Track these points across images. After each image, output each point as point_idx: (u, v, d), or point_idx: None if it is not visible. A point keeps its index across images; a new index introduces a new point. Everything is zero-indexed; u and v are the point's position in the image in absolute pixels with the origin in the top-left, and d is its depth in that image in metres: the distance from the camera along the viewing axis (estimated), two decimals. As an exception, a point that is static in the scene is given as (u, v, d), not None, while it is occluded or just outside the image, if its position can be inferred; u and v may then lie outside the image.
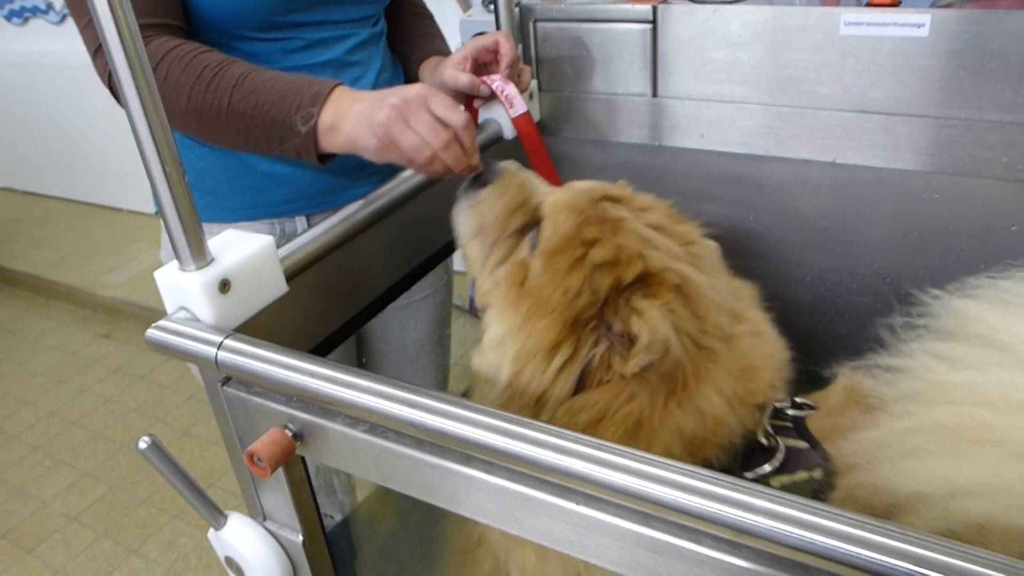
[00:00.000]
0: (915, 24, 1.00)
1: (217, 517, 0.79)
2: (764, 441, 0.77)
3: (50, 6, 3.92)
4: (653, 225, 0.83)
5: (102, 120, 3.79)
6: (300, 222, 1.17)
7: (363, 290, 1.01)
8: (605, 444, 0.53)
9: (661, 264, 0.77)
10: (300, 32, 1.07)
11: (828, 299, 1.20)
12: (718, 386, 0.74)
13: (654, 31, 1.16)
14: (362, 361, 1.33)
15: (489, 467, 0.59)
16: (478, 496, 0.61)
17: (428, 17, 1.32)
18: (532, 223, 0.87)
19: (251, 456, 0.67)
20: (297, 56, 1.08)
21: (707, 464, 0.74)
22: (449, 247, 1.17)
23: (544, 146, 1.11)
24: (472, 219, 0.92)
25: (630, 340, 0.73)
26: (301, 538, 0.79)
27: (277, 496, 0.77)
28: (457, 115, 0.91)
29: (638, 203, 0.87)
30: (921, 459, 0.61)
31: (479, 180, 0.93)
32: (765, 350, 0.81)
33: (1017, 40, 0.96)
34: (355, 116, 0.92)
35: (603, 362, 0.75)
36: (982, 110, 1.01)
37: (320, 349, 0.94)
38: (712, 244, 0.91)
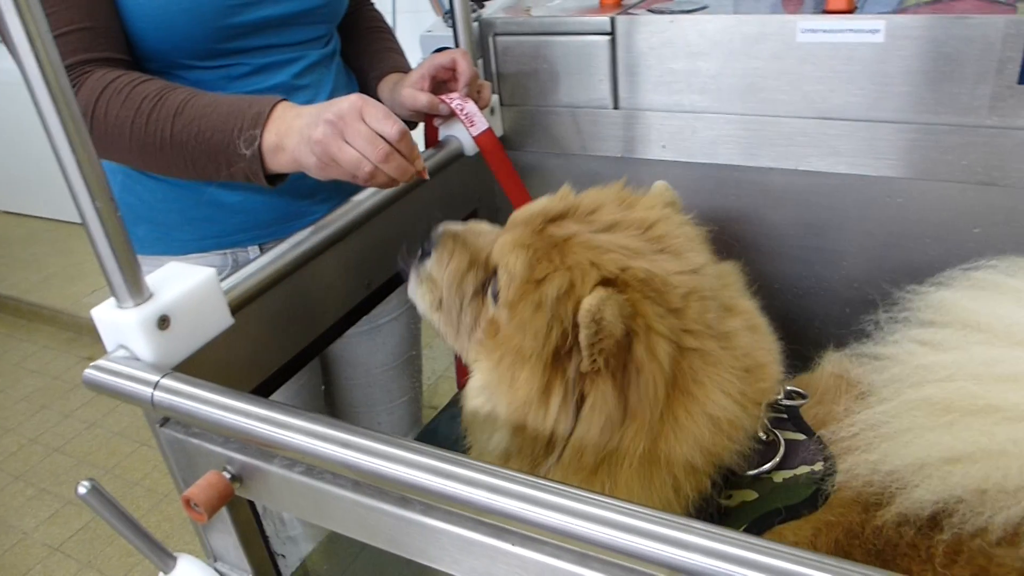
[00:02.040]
0: (870, 30, 0.98)
1: (165, 560, 0.77)
2: (763, 435, 0.75)
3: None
4: (606, 225, 0.80)
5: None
6: (254, 251, 1.14)
7: (319, 317, 0.99)
8: (539, 483, 0.52)
9: (617, 266, 0.74)
10: (245, 58, 1.05)
11: (798, 306, 1.18)
12: (724, 388, 0.72)
13: (613, 42, 1.14)
14: (321, 389, 1.31)
15: (426, 508, 0.57)
16: (416, 538, 0.59)
17: (385, 31, 1.30)
18: (489, 276, 0.84)
19: (187, 501, 0.65)
20: (243, 82, 1.06)
21: (720, 469, 0.72)
22: (411, 268, 1.15)
23: (509, 161, 1.10)
24: (426, 296, 0.89)
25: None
26: (252, 578, 0.77)
27: (224, 537, 0.75)
28: (390, 126, 0.88)
29: (585, 207, 0.83)
30: (916, 433, 0.62)
31: (422, 251, 0.91)
32: (765, 344, 0.79)
33: (970, 43, 0.94)
34: (296, 135, 0.90)
35: (579, 374, 0.72)
36: (939, 114, 0.99)
37: (273, 380, 0.92)
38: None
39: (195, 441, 0.69)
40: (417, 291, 0.90)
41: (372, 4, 1.31)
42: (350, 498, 0.60)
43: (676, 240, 0.79)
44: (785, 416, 0.78)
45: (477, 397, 0.78)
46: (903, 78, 1.00)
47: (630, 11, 1.15)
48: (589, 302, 0.68)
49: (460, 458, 0.55)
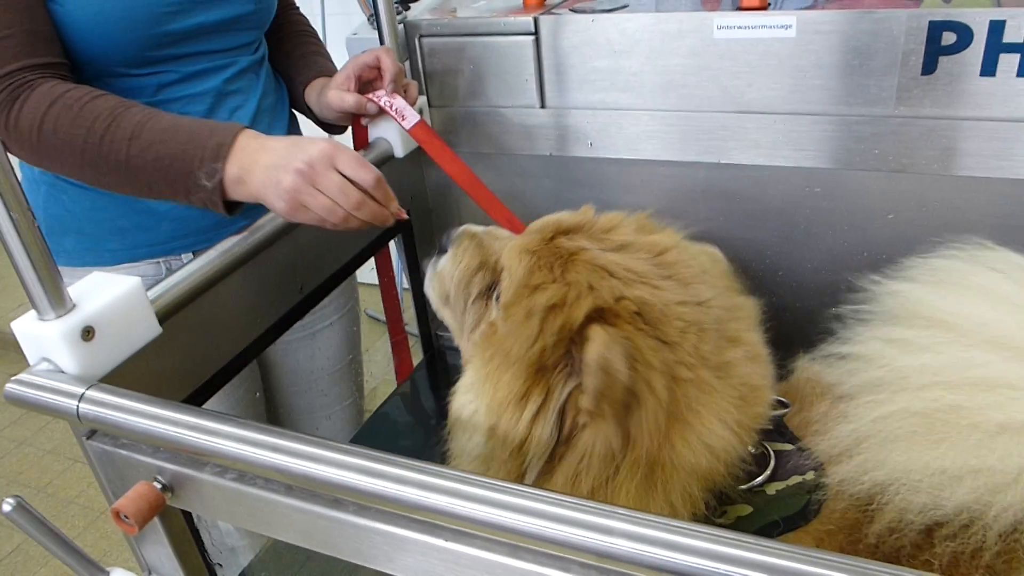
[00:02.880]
0: (782, 25, 1.02)
1: (96, 574, 0.76)
2: (752, 449, 0.76)
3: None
4: (616, 245, 0.80)
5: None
6: (188, 259, 1.12)
7: (251, 323, 0.98)
8: (466, 477, 0.53)
9: (614, 294, 0.74)
10: (177, 65, 1.04)
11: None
12: (720, 416, 0.72)
13: (537, 42, 1.16)
14: (257, 397, 1.29)
15: (359, 509, 0.58)
16: (350, 539, 0.59)
17: (311, 36, 1.29)
18: (496, 280, 0.84)
19: (117, 513, 0.64)
20: (173, 88, 1.04)
21: (719, 490, 0.73)
22: (345, 270, 1.15)
23: (447, 147, 1.07)
24: (436, 289, 0.91)
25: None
26: (188, 589, 0.76)
27: (157, 548, 0.74)
28: (367, 172, 0.88)
29: (600, 226, 0.84)
30: (899, 446, 0.63)
31: (441, 247, 0.93)
32: (762, 370, 0.79)
33: (876, 37, 0.99)
34: (261, 172, 0.88)
35: (573, 401, 0.72)
36: (851, 105, 1.03)
37: (206, 389, 0.91)
38: (712, 251, 0.90)
39: (124, 452, 0.68)
40: (429, 285, 0.93)
41: (298, 8, 1.30)
42: (283, 502, 0.61)
43: (686, 269, 0.79)
44: (771, 427, 0.79)
45: (463, 395, 0.79)
46: (816, 71, 1.04)
47: (553, 11, 1.16)
48: (596, 351, 0.68)
49: (389, 457, 0.56)
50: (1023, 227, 1.02)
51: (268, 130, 1.14)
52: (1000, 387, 0.60)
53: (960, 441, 0.59)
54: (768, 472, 0.75)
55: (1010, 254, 0.70)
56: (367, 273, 1.23)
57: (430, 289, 0.94)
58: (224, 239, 0.94)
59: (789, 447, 0.77)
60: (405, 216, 0.94)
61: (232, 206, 0.93)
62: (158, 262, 1.13)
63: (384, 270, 1.26)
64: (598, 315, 0.72)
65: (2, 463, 2.67)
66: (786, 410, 0.80)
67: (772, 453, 0.76)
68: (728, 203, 1.15)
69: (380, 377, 2.71)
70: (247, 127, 0.92)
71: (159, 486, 0.66)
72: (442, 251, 0.93)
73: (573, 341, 0.71)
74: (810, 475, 0.74)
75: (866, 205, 1.08)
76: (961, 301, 0.67)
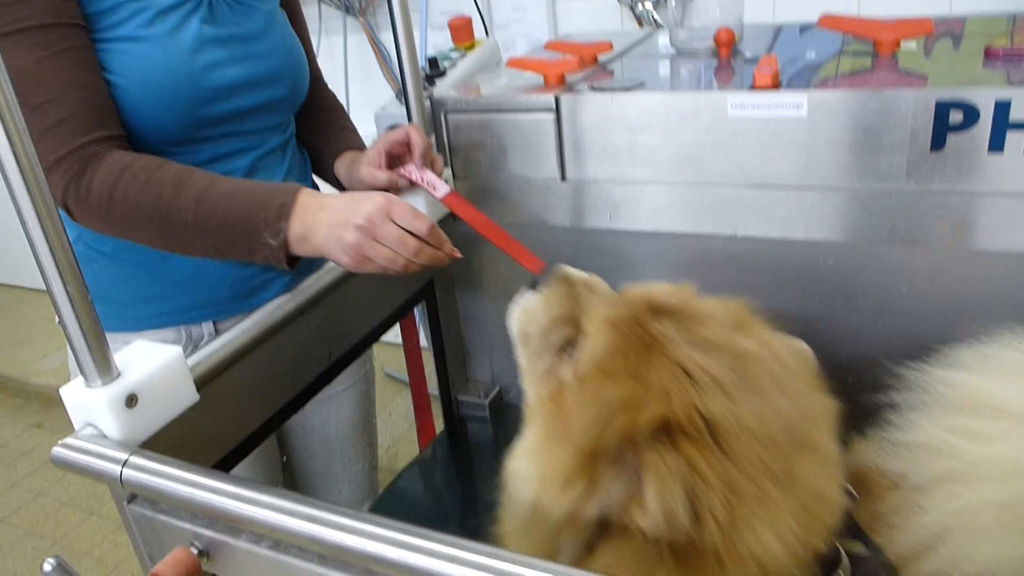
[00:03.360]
0: (794, 105, 1.06)
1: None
2: (824, 548, 0.71)
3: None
4: (702, 342, 0.75)
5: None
6: (207, 327, 1.17)
7: (281, 389, 1.01)
8: (496, 552, 0.55)
9: (686, 403, 0.69)
10: (211, 145, 1.10)
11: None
12: (778, 531, 0.67)
13: (558, 119, 1.21)
14: (283, 460, 1.32)
15: (391, 579, 0.60)
16: (382, 608, 0.61)
17: (339, 110, 1.35)
18: (575, 339, 0.81)
19: (156, 578, 0.66)
20: (209, 166, 1.09)
21: None
22: (370, 337, 1.18)
23: (481, 213, 1.11)
24: (518, 324, 0.90)
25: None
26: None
27: (191, 613, 0.76)
28: (421, 222, 0.94)
29: (694, 314, 0.78)
30: (988, 538, 0.61)
31: (535, 282, 0.92)
32: (832, 477, 0.74)
33: (885, 116, 1.02)
34: (324, 229, 0.94)
35: (620, 503, 0.68)
36: (863, 180, 1.07)
37: (237, 453, 0.94)
38: (801, 346, 0.86)
39: (163, 517, 0.71)
40: (512, 317, 0.92)
41: (326, 84, 1.37)
42: (316, 571, 0.63)
43: (769, 378, 0.74)
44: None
45: (519, 459, 0.78)
46: (827, 148, 1.08)
47: (573, 89, 1.22)
48: (660, 500, 0.64)
49: (421, 530, 0.58)
50: (1035, 300, 1.04)
51: None
52: None
53: None
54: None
55: None
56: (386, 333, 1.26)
57: (514, 321, 0.92)
58: (243, 309, 0.98)
59: (862, 549, 0.73)
60: (459, 255, 1.01)
61: (292, 261, 0.99)
62: (179, 329, 1.17)
63: (409, 335, 1.30)
64: (664, 429, 0.68)
65: (19, 514, 2.69)
66: (852, 503, 0.75)
67: (844, 554, 0.71)
68: (744, 274, 1.18)
69: (398, 437, 2.72)
70: (304, 186, 0.98)
71: (196, 551, 0.69)
72: (536, 286, 0.91)
73: (633, 446, 0.68)
74: None
75: (879, 278, 1.11)
76: (1020, 388, 0.66)
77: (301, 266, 1.01)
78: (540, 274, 0.94)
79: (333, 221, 0.94)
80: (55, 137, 0.96)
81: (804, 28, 1.45)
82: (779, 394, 0.73)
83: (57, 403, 3.02)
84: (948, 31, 1.29)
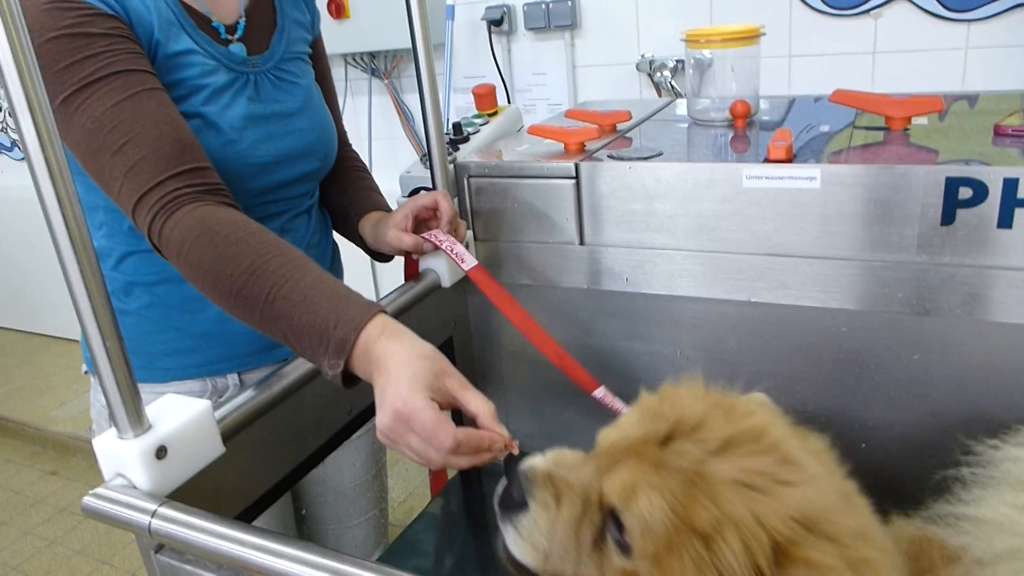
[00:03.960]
0: (807, 177, 1.10)
1: None
2: None
3: (14, 143, 4.02)
4: (722, 444, 0.71)
5: (53, 251, 3.80)
6: (232, 379, 1.20)
7: (303, 443, 1.04)
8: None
9: (781, 517, 0.65)
10: (247, 212, 1.14)
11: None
12: None
13: (578, 185, 1.25)
14: (302, 513, 1.34)
15: (411, 634, 0.62)
16: (401, 662, 0.63)
17: (364, 170, 1.40)
18: (604, 520, 0.73)
19: (181, 628, 0.68)
20: None
21: None
22: (390, 392, 1.21)
23: (503, 289, 1.13)
24: (533, 550, 0.76)
25: None
26: None
27: (211, 665, 0.77)
28: (442, 439, 0.82)
29: (687, 422, 0.73)
30: None
31: (511, 499, 0.78)
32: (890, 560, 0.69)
33: (896, 191, 1.06)
34: (376, 393, 0.88)
35: None
36: (874, 251, 1.10)
37: (259, 505, 0.96)
38: (818, 444, 0.80)
39: (189, 568, 0.73)
40: (521, 548, 0.77)
41: (351, 145, 1.42)
42: (339, 624, 0.64)
43: (796, 452, 0.72)
44: None
45: None
46: (840, 220, 1.11)
47: (592, 156, 1.26)
48: None
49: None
50: (1046, 373, 1.06)
51: None
52: None
53: None
54: None
55: None
56: None
57: (523, 553, 0.77)
58: (267, 362, 0.99)
59: None
60: (516, 450, 0.86)
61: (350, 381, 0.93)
62: (205, 381, 1.20)
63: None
64: (778, 548, 0.64)
65: (32, 561, 2.69)
66: None
67: None
68: (757, 339, 1.21)
69: (412, 491, 2.72)
70: (372, 317, 0.90)
71: (220, 603, 0.70)
72: (517, 505, 0.77)
73: None
74: None
75: (891, 346, 1.13)
76: None
77: None
78: (511, 485, 0.79)
79: (376, 396, 0.87)
80: (137, 175, 0.95)
81: (818, 100, 1.50)
82: (817, 466, 0.71)
83: (73, 451, 3.09)
84: (960, 108, 1.33)
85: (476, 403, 0.86)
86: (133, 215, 0.98)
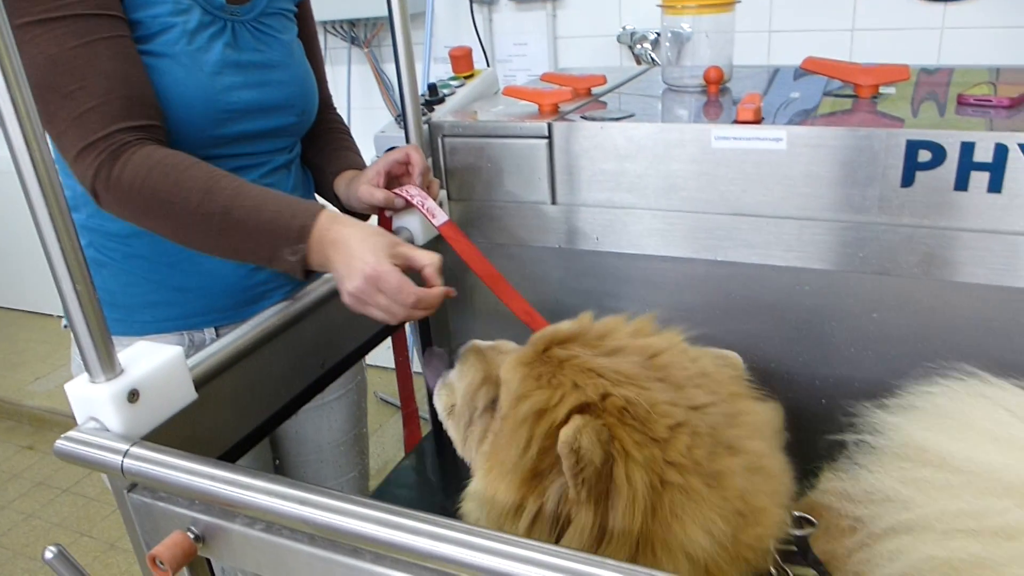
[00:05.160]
0: (774, 138, 1.12)
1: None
2: (774, 572, 0.75)
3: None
4: (609, 350, 0.81)
5: (28, 225, 3.76)
6: (209, 333, 1.21)
7: (276, 393, 1.05)
8: (474, 529, 0.59)
9: (597, 392, 0.75)
10: (220, 163, 1.14)
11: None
12: (707, 527, 0.70)
13: (550, 145, 1.26)
14: (276, 464, 1.36)
15: (376, 558, 0.64)
16: (367, 587, 0.65)
17: (344, 132, 1.41)
18: (498, 394, 0.87)
19: (153, 559, 0.70)
20: None
21: None
22: (364, 347, 1.23)
23: (472, 244, 1.16)
24: (443, 401, 0.97)
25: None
26: (208, 641, 0.81)
27: (183, 600, 0.79)
28: (405, 296, 0.97)
29: (595, 333, 0.86)
30: None
31: (449, 363, 1.00)
32: (768, 488, 0.76)
33: (859, 152, 1.08)
34: (335, 271, 1.00)
35: (565, 499, 0.73)
36: (837, 212, 1.12)
37: (233, 452, 0.97)
38: (729, 355, 0.92)
39: (161, 504, 0.75)
40: (436, 397, 0.99)
41: (335, 108, 1.42)
42: (306, 551, 0.67)
43: (680, 371, 0.80)
44: (795, 548, 0.77)
45: (469, 502, 0.83)
46: (804, 180, 1.13)
47: (566, 117, 1.28)
48: (565, 432, 0.70)
49: (405, 510, 0.62)
50: (999, 330, 1.09)
51: None
52: (1020, 536, 0.62)
53: None
54: None
55: (1008, 386, 0.73)
56: (379, 356, 1.29)
57: (438, 399, 0.99)
58: (244, 317, 1.02)
59: (810, 574, 0.75)
60: (454, 293, 1.05)
61: (309, 272, 1.04)
62: (182, 334, 1.21)
63: (400, 349, 1.34)
64: (581, 411, 0.73)
65: (10, 535, 2.69)
66: (812, 530, 0.77)
67: None
68: (723, 298, 1.23)
69: (388, 458, 2.75)
70: (323, 208, 1.03)
71: (192, 536, 0.72)
72: (451, 365, 0.99)
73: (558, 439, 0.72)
74: None
75: (852, 304, 1.16)
76: (969, 444, 0.69)
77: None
78: (453, 355, 1.00)
79: (338, 271, 0.99)
80: (85, 124, 0.99)
81: (794, 71, 1.52)
82: (697, 389, 0.78)
83: (49, 425, 3.08)
84: (930, 80, 1.36)
85: (425, 257, 1.02)
86: (74, 161, 1.02)
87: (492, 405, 0.89)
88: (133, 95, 1.03)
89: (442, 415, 0.98)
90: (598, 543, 0.71)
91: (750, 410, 0.82)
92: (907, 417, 0.74)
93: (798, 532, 0.77)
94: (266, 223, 1.00)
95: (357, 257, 0.97)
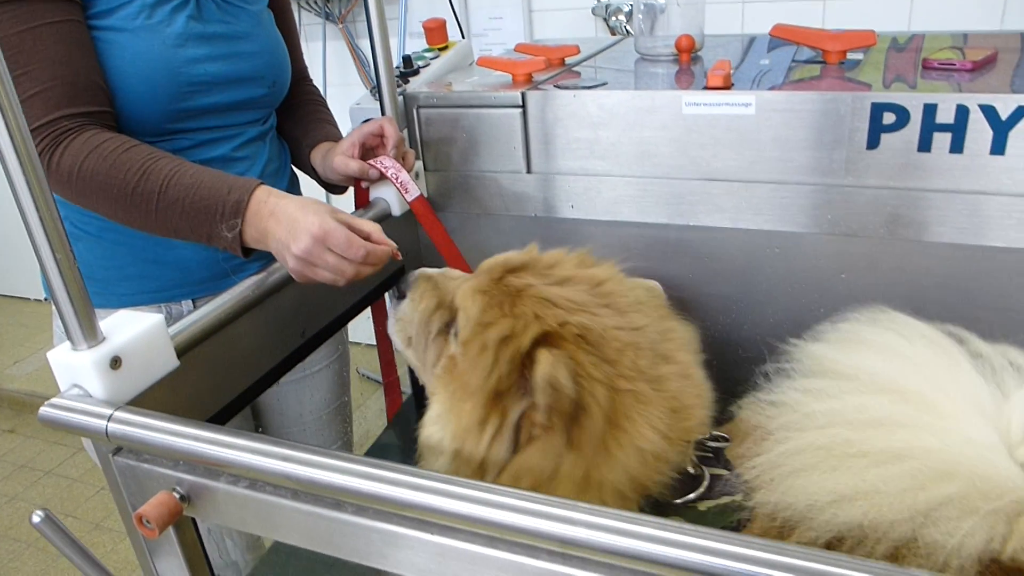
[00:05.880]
0: (743, 104, 1.14)
1: (113, 586, 0.82)
2: (692, 471, 0.86)
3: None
4: (559, 279, 0.90)
5: (2, 210, 3.74)
6: (187, 305, 1.22)
7: (257, 362, 1.07)
8: (453, 479, 0.61)
9: (558, 320, 0.83)
10: (189, 135, 1.15)
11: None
12: (653, 423, 0.81)
13: (524, 114, 1.28)
14: (259, 431, 1.37)
15: (358, 510, 0.66)
16: (350, 538, 0.67)
17: (321, 104, 1.41)
18: (453, 317, 0.93)
19: (139, 518, 0.71)
20: (186, 154, 1.15)
21: (648, 498, 0.82)
22: (343, 318, 1.24)
23: (439, 222, 1.21)
24: (400, 332, 1.00)
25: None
26: (195, 600, 0.83)
27: (170, 560, 0.81)
28: (355, 251, 0.97)
29: (544, 263, 0.94)
30: (805, 475, 0.71)
31: (399, 293, 1.02)
32: (694, 391, 0.89)
33: (825, 116, 1.11)
34: (272, 242, 1.00)
35: (527, 419, 0.81)
36: (805, 175, 1.15)
37: (214, 420, 0.99)
38: (651, 284, 1.00)
39: (146, 466, 0.76)
40: (394, 328, 1.02)
41: (311, 80, 1.43)
42: (289, 506, 0.69)
43: (622, 299, 0.90)
44: (711, 455, 0.89)
45: (431, 426, 0.87)
46: (773, 144, 1.16)
47: (539, 87, 1.29)
48: (544, 370, 0.77)
49: (385, 463, 0.64)
50: (961, 287, 1.13)
51: None
52: (886, 424, 0.70)
53: (851, 468, 0.68)
54: (702, 490, 0.84)
55: (899, 315, 0.81)
56: (361, 333, 1.30)
57: (394, 332, 1.02)
58: (221, 289, 1.03)
59: (724, 472, 0.87)
60: (400, 256, 1.05)
61: (248, 250, 1.05)
62: (159, 307, 1.22)
63: (380, 319, 1.36)
64: (544, 339, 0.82)
65: (-10, 517, 2.70)
66: (726, 443, 0.89)
67: (707, 474, 0.85)
68: (696, 261, 1.26)
69: (370, 432, 2.77)
70: (260, 182, 1.03)
71: (178, 496, 0.74)
72: (401, 296, 1.02)
73: (524, 365, 0.81)
74: (739, 497, 0.82)
75: (821, 265, 1.19)
76: (859, 356, 0.78)
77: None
78: (401, 284, 1.02)
79: (280, 239, 0.99)
80: (27, 111, 0.99)
81: (765, 40, 1.53)
82: (636, 313, 0.88)
83: (30, 408, 3.07)
84: (897, 45, 1.38)
85: (367, 225, 1.02)
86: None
87: (446, 329, 0.94)
88: (78, 81, 1.03)
89: (400, 346, 1.01)
90: (563, 455, 0.78)
91: (676, 328, 0.94)
92: (817, 343, 0.83)
93: (715, 444, 0.89)
94: (202, 199, 1.01)
95: (300, 220, 0.97)
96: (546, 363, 0.77)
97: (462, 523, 0.61)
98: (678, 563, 0.53)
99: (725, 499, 0.84)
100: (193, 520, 0.80)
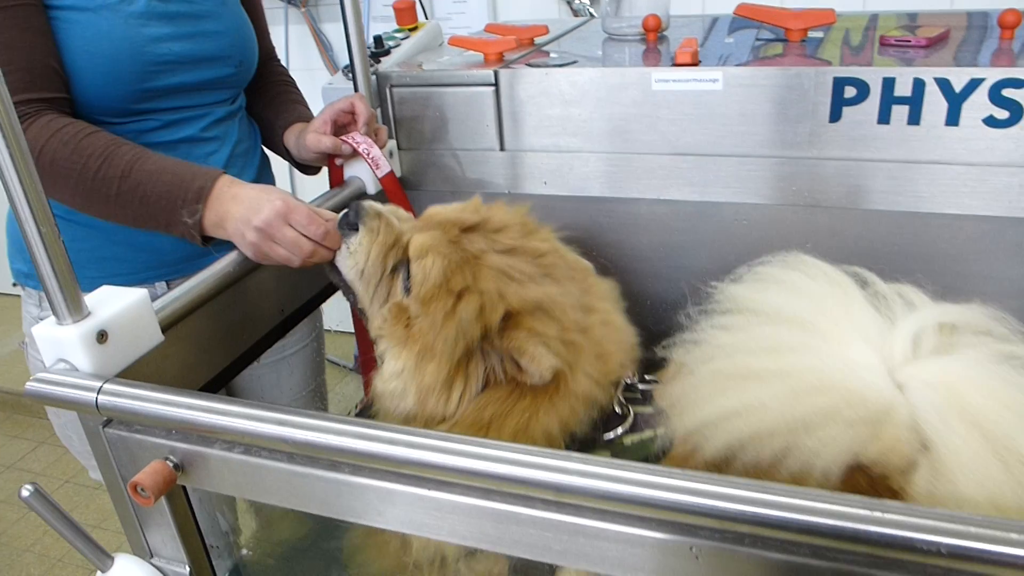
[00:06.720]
0: (711, 80, 1.18)
1: (103, 559, 0.83)
2: (618, 410, 0.94)
3: None
4: (507, 248, 0.95)
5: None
6: (161, 287, 1.22)
7: (239, 338, 1.08)
8: (446, 435, 0.63)
9: (520, 298, 0.89)
10: (156, 116, 1.15)
11: (667, 318, 1.34)
12: (586, 370, 0.89)
13: (497, 93, 1.30)
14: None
15: (354, 469, 0.68)
16: (345, 498, 0.69)
17: (291, 84, 1.41)
18: (402, 261, 0.97)
19: (135, 487, 0.72)
20: (152, 135, 1.15)
21: (572, 435, 0.89)
22: (319, 297, 1.25)
23: (407, 200, 1.22)
24: (352, 264, 1.01)
25: (515, 363, 0.87)
26: (188, 569, 0.84)
27: (162, 530, 0.82)
28: (315, 227, 0.99)
29: (493, 224, 0.98)
30: (707, 398, 0.77)
31: (350, 222, 1.01)
32: (615, 336, 0.98)
33: (789, 90, 1.15)
34: (232, 223, 1.01)
35: (491, 373, 0.89)
36: (771, 148, 1.19)
37: (199, 395, 1.00)
38: (585, 265, 1.06)
39: (138, 436, 0.77)
40: (343, 262, 1.02)
41: (278, 60, 1.42)
42: (285, 469, 0.70)
43: (560, 271, 0.98)
44: (640, 396, 0.98)
45: (392, 381, 0.91)
46: (740, 119, 1.19)
47: (511, 65, 1.31)
48: (528, 349, 0.85)
49: (379, 423, 0.66)
50: (919, 254, 1.18)
51: (240, 174, 1.25)
52: (780, 349, 0.76)
53: (746, 388, 0.74)
54: (627, 426, 0.93)
55: (807, 258, 0.88)
56: (329, 320, 1.30)
57: (345, 262, 1.01)
58: (195, 271, 1.04)
59: (649, 410, 0.95)
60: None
61: (207, 239, 1.06)
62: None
63: (356, 298, 1.37)
64: (511, 317, 0.88)
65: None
66: (655, 385, 0.98)
67: (632, 412, 0.94)
68: (667, 235, 1.29)
69: (345, 410, 2.77)
70: (224, 172, 1.04)
71: (171, 464, 0.75)
72: (352, 227, 1.01)
73: (490, 340, 0.88)
74: (661, 429, 0.88)
75: (787, 235, 1.23)
76: (766, 293, 0.84)
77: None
78: (349, 212, 1.01)
79: (239, 217, 1.00)
80: None
81: (729, 20, 1.57)
82: (568, 279, 0.98)
83: (11, 407, 2.97)
84: (855, 24, 1.42)
85: (327, 213, 1.03)
86: None
87: (396, 270, 0.97)
88: (35, 67, 1.02)
89: (351, 277, 1.01)
90: (516, 405, 0.87)
91: (597, 282, 1.04)
92: (732, 285, 0.89)
93: (644, 386, 0.98)
94: (165, 185, 1.02)
95: (264, 199, 0.99)
96: (540, 353, 0.85)
97: (457, 476, 0.63)
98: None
99: (648, 432, 0.92)
100: (184, 491, 0.81)
